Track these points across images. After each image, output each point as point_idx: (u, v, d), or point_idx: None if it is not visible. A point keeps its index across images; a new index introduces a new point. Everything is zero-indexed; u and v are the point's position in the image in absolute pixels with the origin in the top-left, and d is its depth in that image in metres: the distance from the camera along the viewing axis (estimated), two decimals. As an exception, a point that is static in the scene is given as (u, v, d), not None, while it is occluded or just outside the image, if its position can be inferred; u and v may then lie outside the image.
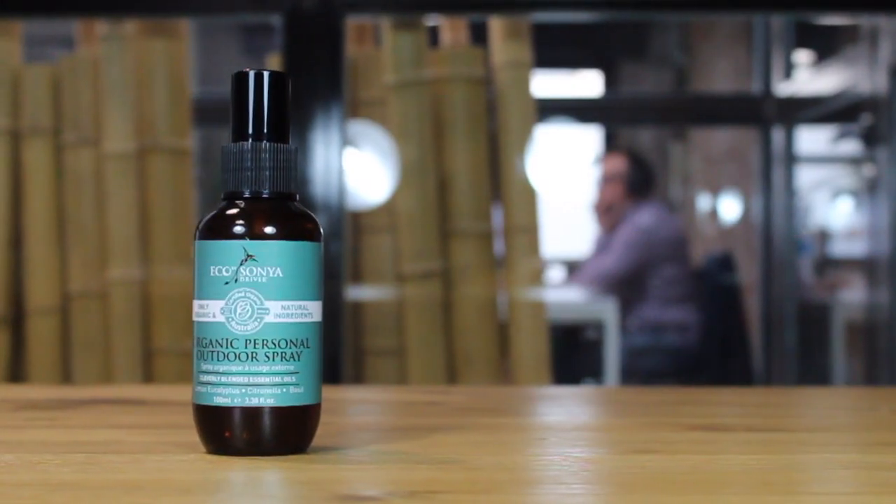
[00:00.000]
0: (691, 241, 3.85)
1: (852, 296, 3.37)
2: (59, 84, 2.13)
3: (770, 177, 2.88)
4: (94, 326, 2.12)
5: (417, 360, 2.10)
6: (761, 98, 2.94)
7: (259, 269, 0.67)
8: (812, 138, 3.62)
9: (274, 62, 2.17)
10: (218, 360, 0.67)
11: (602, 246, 3.57)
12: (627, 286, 3.34)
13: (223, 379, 0.67)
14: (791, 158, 2.86)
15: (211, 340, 0.67)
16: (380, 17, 2.13)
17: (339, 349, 1.96)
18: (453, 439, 0.75)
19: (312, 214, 0.70)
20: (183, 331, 2.14)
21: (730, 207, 4.92)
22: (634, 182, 3.45)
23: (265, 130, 0.70)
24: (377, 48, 2.18)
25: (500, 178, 2.16)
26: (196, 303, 0.69)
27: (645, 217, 3.41)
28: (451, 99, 2.14)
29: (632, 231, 3.40)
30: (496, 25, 2.18)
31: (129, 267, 2.11)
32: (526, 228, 2.16)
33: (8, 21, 2.12)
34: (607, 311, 3.02)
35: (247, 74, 0.70)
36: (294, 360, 0.67)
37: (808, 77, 3.12)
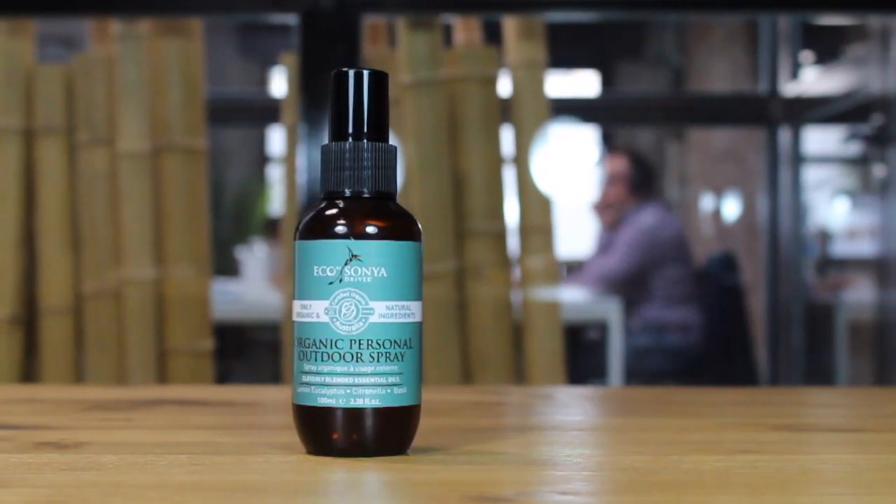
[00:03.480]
0: (691, 241, 3.85)
1: (855, 296, 3.38)
2: (73, 83, 2.11)
3: (776, 177, 2.89)
4: (108, 326, 2.11)
5: (432, 360, 2.10)
6: (767, 98, 2.95)
7: (364, 268, 0.67)
8: (815, 138, 3.62)
9: (289, 61, 2.16)
10: (322, 360, 0.67)
11: (603, 245, 3.57)
12: (630, 286, 3.34)
13: (327, 380, 0.66)
14: (798, 159, 2.87)
15: (314, 341, 0.67)
16: (396, 17, 2.12)
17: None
18: (546, 439, 0.75)
19: (412, 214, 0.69)
20: (196, 331, 2.13)
21: (729, 207, 4.93)
22: (636, 182, 3.46)
23: (365, 130, 0.69)
24: (391, 48, 2.18)
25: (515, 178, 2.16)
26: (298, 303, 0.68)
27: (648, 217, 3.42)
28: (465, 98, 2.13)
29: (634, 231, 3.40)
30: (510, 25, 2.18)
31: (142, 267, 2.10)
32: (540, 228, 2.16)
33: (21, 20, 2.11)
34: (611, 312, 3.02)
35: (346, 74, 0.70)
36: (398, 360, 0.67)
37: (814, 77, 3.13)
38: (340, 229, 0.67)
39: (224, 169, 5.64)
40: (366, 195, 0.68)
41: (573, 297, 3.18)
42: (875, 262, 2.49)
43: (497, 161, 2.15)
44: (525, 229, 2.16)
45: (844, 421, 0.89)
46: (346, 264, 0.67)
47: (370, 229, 0.67)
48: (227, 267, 3.98)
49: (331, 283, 0.67)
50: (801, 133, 2.88)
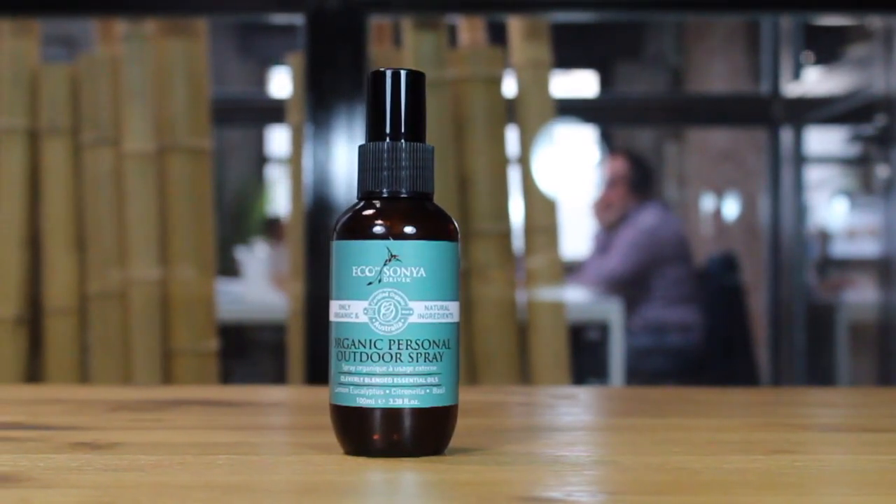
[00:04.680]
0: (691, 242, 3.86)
1: (857, 296, 3.39)
2: (78, 84, 2.11)
3: (778, 178, 2.89)
4: (113, 327, 2.11)
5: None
6: (769, 99, 2.95)
7: (403, 269, 0.67)
8: (815, 139, 3.63)
9: (294, 61, 2.16)
10: (360, 360, 0.67)
11: (602, 245, 3.58)
12: (631, 286, 3.35)
13: (366, 380, 0.66)
14: (800, 159, 2.87)
15: (353, 341, 0.67)
16: (401, 17, 2.12)
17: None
18: (581, 439, 0.75)
19: (449, 214, 0.69)
20: (201, 331, 2.12)
21: (728, 208, 4.93)
22: (636, 182, 3.47)
23: (402, 130, 0.69)
24: (396, 48, 2.18)
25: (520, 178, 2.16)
26: (336, 303, 0.68)
27: (648, 217, 3.42)
28: (470, 99, 2.13)
29: (635, 231, 3.40)
30: (515, 25, 2.18)
31: (147, 267, 2.09)
32: (545, 228, 2.16)
33: (26, 21, 2.10)
34: (612, 312, 3.02)
35: (383, 74, 0.70)
36: (436, 360, 0.67)
37: (816, 78, 3.13)
38: (379, 230, 0.67)
39: (223, 169, 5.63)
40: (403, 195, 0.68)
41: (574, 297, 3.18)
42: (878, 262, 2.49)
43: (502, 161, 2.15)
44: (530, 229, 2.16)
45: (874, 421, 0.89)
46: (385, 264, 0.67)
47: (409, 229, 0.67)
48: (225, 267, 3.97)
49: (370, 284, 0.67)
50: (802, 133, 2.89)
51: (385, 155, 0.69)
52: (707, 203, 5.03)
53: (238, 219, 5.64)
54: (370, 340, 0.66)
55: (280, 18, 2.18)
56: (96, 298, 2.10)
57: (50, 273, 2.10)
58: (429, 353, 0.67)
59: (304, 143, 1.97)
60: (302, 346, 1.99)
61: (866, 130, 2.54)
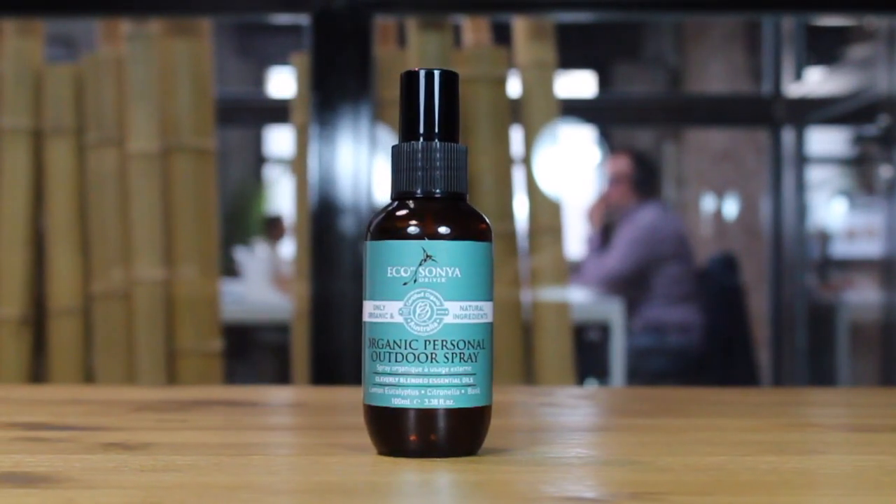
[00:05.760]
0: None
1: (857, 297, 3.39)
2: (82, 84, 2.10)
3: (780, 178, 2.89)
4: (117, 327, 2.10)
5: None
6: (771, 99, 2.96)
7: (438, 269, 0.67)
8: (815, 139, 3.63)
9: (298, 61, 2.16)
10: (396, 361, 0.66)
11: (596, 245, 3.58)
12: (632, 285, 3.35)
13: (401, 380, 0.66)
14: (801, 160, 2.88)
15: (388, 341, 0.67)
16: (407, 17, 2.12)
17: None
18: (611, 439, 0.75)
19: (483, 214, 0.69)
20: (206, 331, 2.12)
21: (727, 208, 4.93)
22: (639, 181, 3.47)
23: (436, 130, 0.69)
24: (401, 48, 2.17)
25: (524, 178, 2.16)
26: (370, 303, 0.68)
27: (647, 215, 3.42)
28: (474, 99, 2.13)
29: (634, 230, 3.41)
30: (520, 26, 2.18)
31: (151, 267, 2.09)
32: (549, 228, 2.16)
33: (31, 20, 2.10)
34: (613, 312, 3.03)
35: (417, 74, 0.70)
36: (472, 361, 0.67)
37: (818, 78, 3.13)
38: (414, 230, 0.67)
39: (222, 169, 5.64)
40: (437, 195, 0.68)
41: (576, 297, 3.19)
42: (879, 262, 2.50)
43: (506, 161, 2.15)
44: (534, 229, 2.16)
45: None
46: (420, 265, 0.66)
47: (444, 230, 0.67)
48: (225, 267, 3.97)
49: (405, 284, 0.67)
50: (804, 134, 2.89)
51: (419, 155, 0.68)
52: (707, 203, 5.03)
53: (237, 219, 5.64)
54: (405, 341, 0.66)
55: (285, 18, 2.17)
56: (100, 298, 2.10)
57: (54, 273, 2.10)
58: (464, 354, 0.67)
59: (309, 144, 1.97)
60: (307, 347, 1.99)
61: (869, 131, 2.55)
